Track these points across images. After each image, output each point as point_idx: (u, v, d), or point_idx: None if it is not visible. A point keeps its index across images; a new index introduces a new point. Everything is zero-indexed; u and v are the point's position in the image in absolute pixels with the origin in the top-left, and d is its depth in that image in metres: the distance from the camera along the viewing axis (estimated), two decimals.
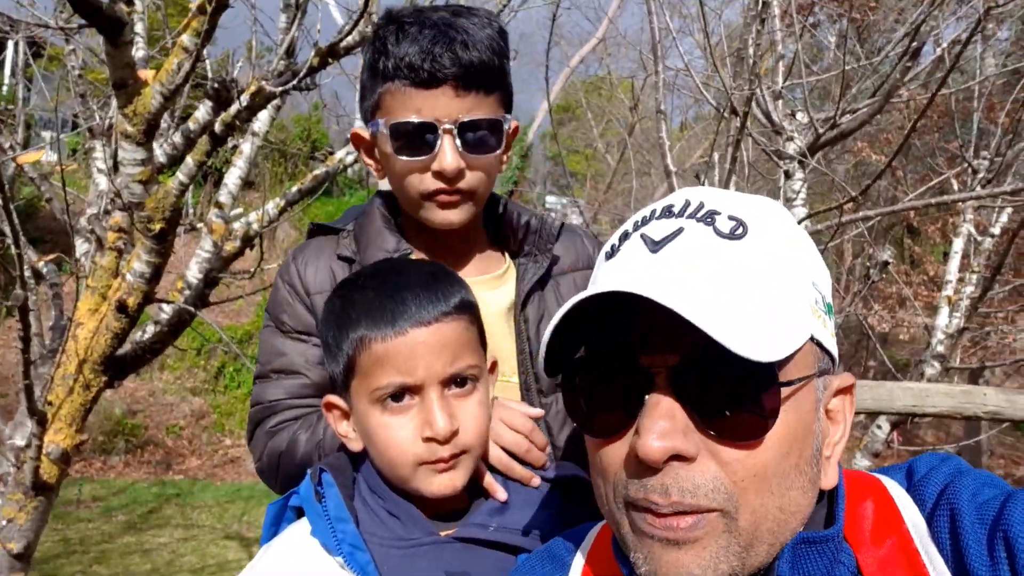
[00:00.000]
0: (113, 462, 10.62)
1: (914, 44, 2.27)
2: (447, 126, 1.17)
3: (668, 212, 0.77)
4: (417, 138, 1.18)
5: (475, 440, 1.03)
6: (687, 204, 0.77)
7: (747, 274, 0.72)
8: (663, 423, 0.69)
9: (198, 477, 10.58)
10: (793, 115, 3.10)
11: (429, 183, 1.21)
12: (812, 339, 0.73)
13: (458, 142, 1.18)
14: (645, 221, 0.78)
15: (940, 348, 3.22)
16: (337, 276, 1.28)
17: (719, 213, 0.75)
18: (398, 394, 1.00)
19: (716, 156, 3.83)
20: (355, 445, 1.07)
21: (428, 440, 0.99)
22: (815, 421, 0.74)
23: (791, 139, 3.03)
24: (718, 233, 0.74)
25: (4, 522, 2.40)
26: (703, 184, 4.37)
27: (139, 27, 2.68)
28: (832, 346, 0.78)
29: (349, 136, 3.48)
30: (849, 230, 4.24)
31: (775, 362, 0.68)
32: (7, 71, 11.29)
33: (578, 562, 0.88)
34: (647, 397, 0.71)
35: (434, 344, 0.99)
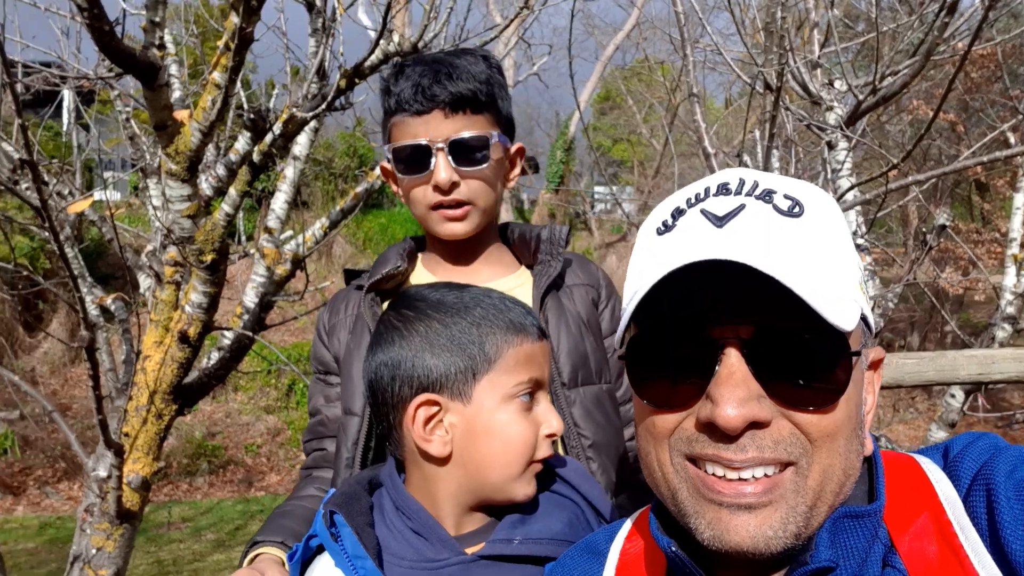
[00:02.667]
0: (198, 483, 11.04)
1: None
2: (439, 145, 1.35)
3: (725, 190, 0.79)
4: (415, 158, 1.37)
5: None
6: (742, 182, 0.79)
7: (811, 247, 0.74)
8: (740, 392, 0.70)
9: (279, 492, 10.90)
10: (831, 84, 3.00)
11: (430, 196, 1.38)
12: (862, 313, 0.77)
13: (450, 159, 1.35)
14: (700, 198, 0.80)
15: (1010, 309, 3.08)
16: (351, 306, 1.48)
17: (775, 192, 0.78)
18: (528, 393, 1.09)
19: (756, 133, 3.75)
20: (439, 449, 1.07)
21: (548, 436, 1.09)
22: (862, 390, 0.78)
23: (831, 109, 2.94)
24: (778, 210, 0.76)
25: (94, 551, 2.53)
26: (746, 163, 4.29)
27: (174, 69, 2.79)
28: (872, 322, 0.82)
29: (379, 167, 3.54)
30: (904, 194, 4.09)
31: (848, 332, 0.71)
32: (64, 120, 11.87)
33: (615, 548, 0.90)
34: (718, 367, 0.72)
35: (545, 352, 1.14)
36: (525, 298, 1.38)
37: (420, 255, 1.54)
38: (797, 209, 0.76)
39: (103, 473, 2.97)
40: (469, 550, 1.05)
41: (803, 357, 0.71)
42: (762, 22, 3.31)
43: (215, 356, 3.14)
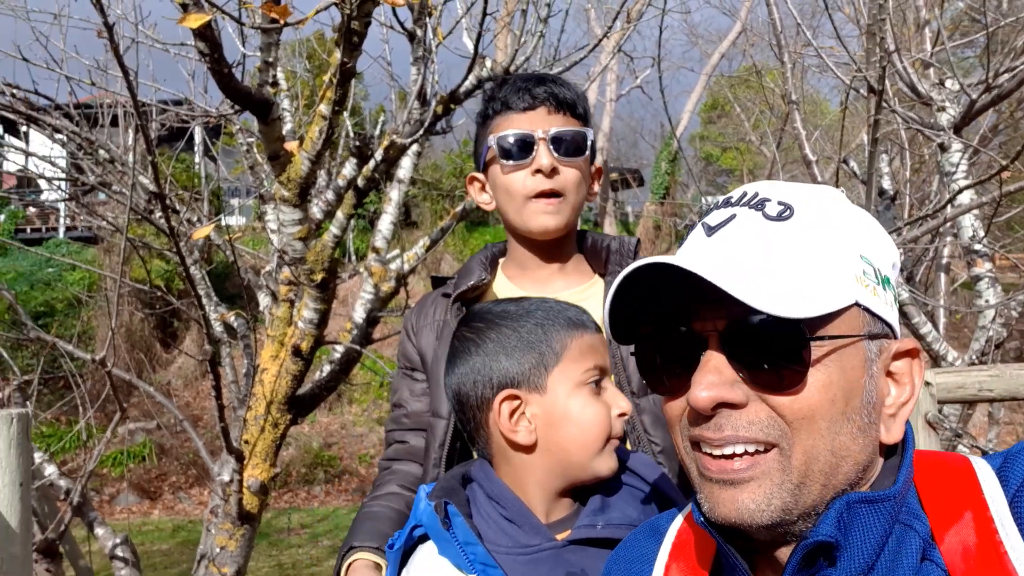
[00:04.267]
0: (315, 492, 11.56)
1: None
2: (541, 135, 1.46)
3: (727, 202, 0.88)
4: (518, 147, 1.47)
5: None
6: (744, 195, 0.88)
7: (787, 248, 0.81)
8: (710, 377, 0.79)
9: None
10: (942, 83, 2.85)
11: (530, 183, 1.47)
12: (858, 304, 0.81)
13: (551, 147, 1.46)
14: (707, 212, 0.89)
15: None
16: (438, 311, 1.56)
17: (770, 200, 0.85)
18: (595, 379, 1.18)
19: (865, 138, 3.61)
20: (525, 438, 1.17)
21: (620, 416, 1.18)
22: (865, 377, 0.81)
23: (943, 109, 2.79)
24: (766, 216, 0.84)
25: (218, 549, 2.73)
26: (852, 168, 4.12)
27: (285, 103, 2.99)
28: (887, 314, 0.84)
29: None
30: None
31: (805, 320, 0.76)
32: (196, 152, 12.84)
33: (673, 528, 0.97)
34: (701, 357, 0.81)
35: (604, 344, 1.23)
36: (595, 306, 1.41)
37: (500, 262, 1.62)
38: (787, 213, 0.83)
39: (226, 478, 3.20)
40: (558, 536, 1.13)
41: (764, 345, 0.78)
42: (864, 25, 3.20)
43: (327, 369, 3.33)
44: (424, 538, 1.16)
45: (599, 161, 1.65)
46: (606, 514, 1.15)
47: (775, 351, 0.78)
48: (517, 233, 1.53)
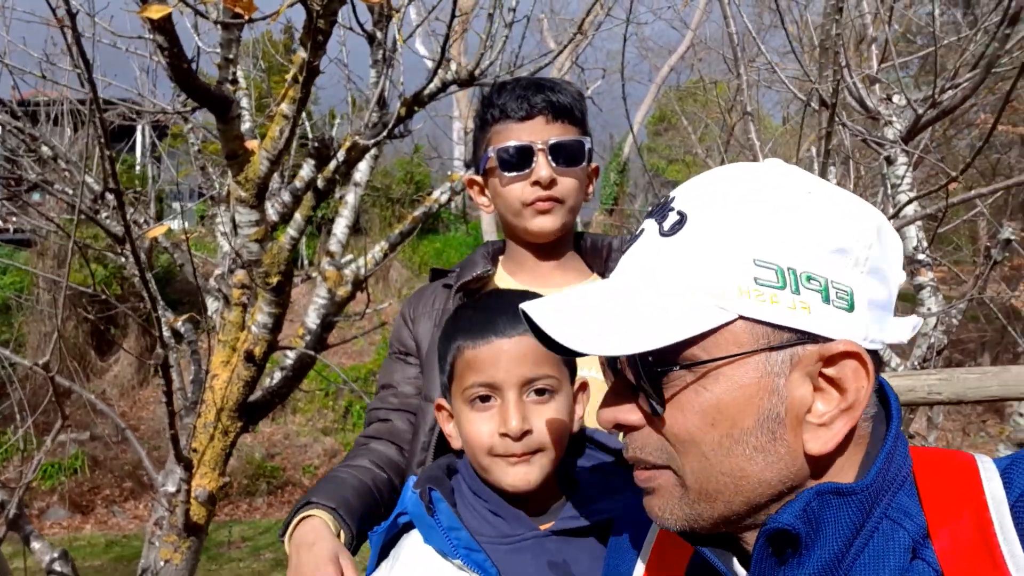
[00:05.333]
0: (257, 504, 11.27)
1: (1012, 8, 2.14)
2: (540, 146, 1.49)
3: (652, 209, 0.86)
4: (518, 158, 1.51)
5: (548, 441, 1.17)
6: (662, 201, 0.85)
7: (660, 273, 0.80)
8: (611, 398, 0.84)
9: None
10: (889, 99, 2.96)
11: (528, 193, 1.51)
12: (743, 317, 0.75)
13: (550, 158, 1.49)
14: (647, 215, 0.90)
15: None
16: (438, 301, 1.58)
17: (672, 208, 0.82)
18: (485, 396, 1.17)
19: (813, 150, 3.71)
20: (456, 444, 1.26)
21: (503, 436, 1.15)
22: (761, 393, 0.75)
23: (889, 123, 2.90)
24: (660, 232, 0.82)
25: (163, 563, 2.63)
26: None
27: (244, 102, 2.92)
28: (799, 320, 0.75)
29: (450, 176, 3.61)
30: (970, 209, 3.98)
31: (659, 351, 0.75)
32: (138, 153, 12.43)
33: (651, 537, 0.99)
34: (615, 378, 0.86)
35: (515, 353, 1.17)
36: None
37: (500, 259, 1.66)
38: (678, 226, 0.80)
39: (172, 488, 3.08)
40: (542, 526, 1.17)
41: (633, 376, 0.81)
42: (817, 39, 3.30)
43: (278, 376, 3.25)
44: (409, 527, 1.18)
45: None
46: (592, 505, 1.18)
47: (641, 382, 0.80)
48: (515, 234, 1.58)
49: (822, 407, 0.76)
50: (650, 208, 0.88)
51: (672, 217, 0.81)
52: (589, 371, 1.40)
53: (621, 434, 0.86)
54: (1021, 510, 0.72)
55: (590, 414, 1.43)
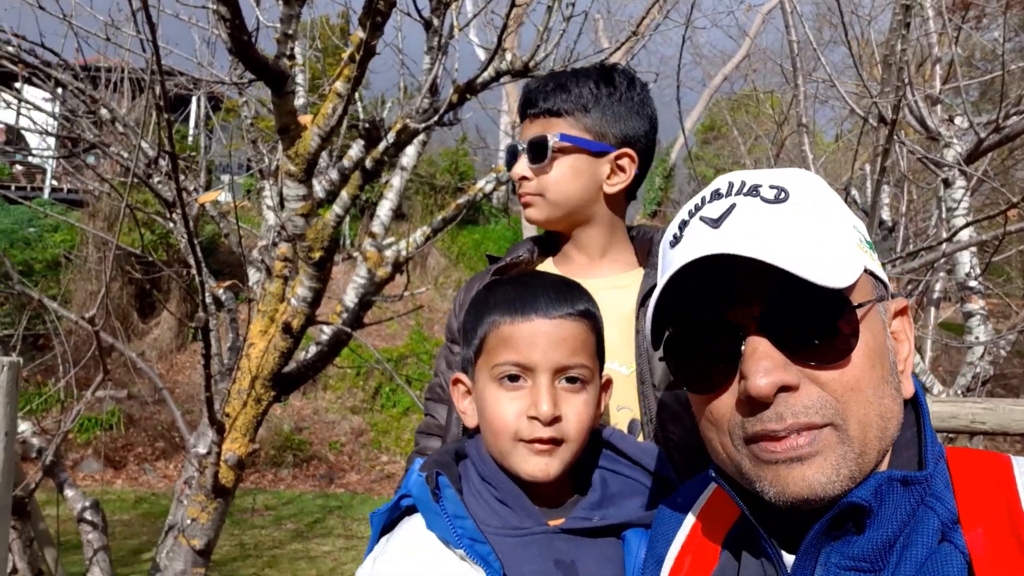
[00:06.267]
0: (283, 475, 11.47)
1: None
2: (522, 146, 1.55)
3: (718, 195, 0.89)
4: (511, 157, 1.58)
5: (574, 433, 1.12)
6: (731, 185, 0.90)
7: (798, 224, 0.83)
8: (765, 363, 0.79)
9: (357, 491, 11.19)
10: (951, 120, 2.89)
11: (517, 187, 1.58)
12: (866, 270, 0.84)
13: (527, 157, 1.53)
14: (699, 207, 0.90)
15: None
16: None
17: (761, 186, 0.88)
18: (515, 375, 1.12)
19: (867, 169, 3.64)
20: (471, 421, 1.20)
21: (532, 419, 1.10)
22: (886, 339, 0.84)
23: (948, 145, 2.82)
24: (765, 200, 0.86)
25: (189, 521, 2.69)
26: (854, 198, 4.16)
27: (300, 78, 2.97)
28: (883, 275, 0.88)
29: (495, 168, 3.62)
30: (1022, 240, 3.86)
31: (844, 289, 0.78)
32: (191, 124, 12.68)
33: (703, 498, 1.00)
34: (743, 347, 0.81)
35: (554, 336, 1.12)
36: (631, 297, 1.46)
37: (555, 253, 1.67)
38: (783, 195, 0.86)
39: (203, 449, 3.16)
40: (551, 523, 1.11)
41: (808, 320, 0.79)
42: (880, 56, 3.23)
43: (313, 350, 3.30)
44: (412, 510, 1.12)
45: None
46: (603, 509, 1.13)
47: (822, 325, 0.79)
48: None
49: (900, 356, 0.86)
50: (712, 194, 0.90)
51: (769, 191, 0.86)
52: (611, 364, 1.38)
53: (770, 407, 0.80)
54: None
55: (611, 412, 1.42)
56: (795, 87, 2.84)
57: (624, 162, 1.54)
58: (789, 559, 0.83)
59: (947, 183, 2.79)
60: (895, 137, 2.58)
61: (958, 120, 2.84)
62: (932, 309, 4.24)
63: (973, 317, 2.82)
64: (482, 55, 3.96)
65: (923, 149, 3.30)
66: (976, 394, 2.71)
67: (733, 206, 0.86)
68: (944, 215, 2.85)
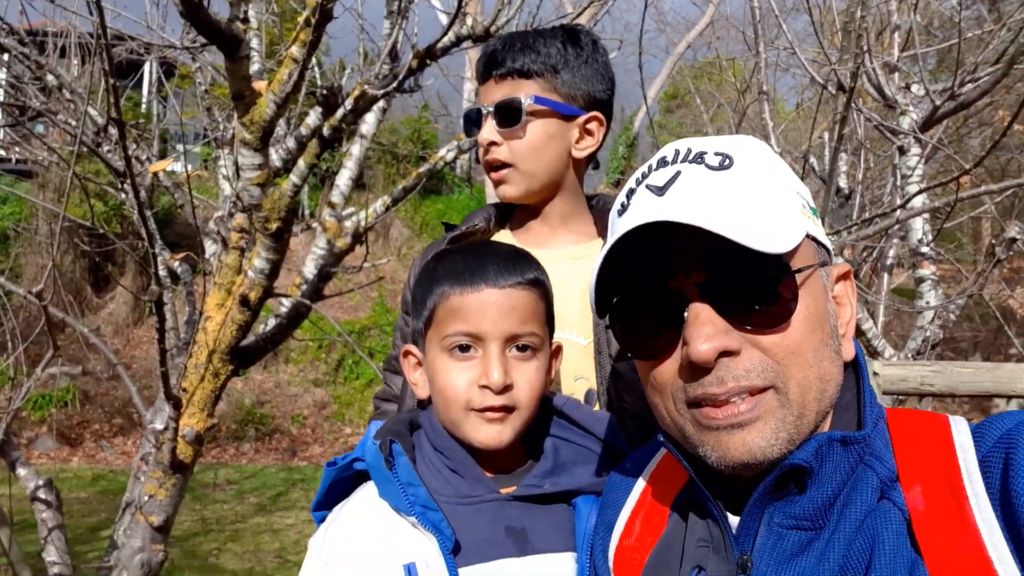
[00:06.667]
0: (244, 449, 11.38)
1: None
2: (488, 109, 1.46)
3: (663, 163, 0.90)
4: (473, 121, 1.51)
5: (525, 400, 1.13)
6: (677, 152, 0.90)
7: (741, 191, 0.84)
8: (707, 328, 0.80)
9: (320, 464, 11.13)
10: (908, 88, 2.92)
11: (482, 155, 1.50)
12: (808, 235, 0.85)
13: (494, 121, 1.46)
14: (646, 175, 0.91)
15: None
16: None
17: (706, 153, 0.88)
18: (465, 345, 1.13)
19: (826, 136, 3.67)
20: (422, 392, 1.21)
21: (483, 388, 1.11)
22: (827, 303, 0.86)
23: (905, 113, 2.86)
24: (709, 167, 0.87)
25: (146, 497, 2.65)
26: (812, 165, 4.21)
27: (254, 43, 2.87)
28: (826, 241, 0.90)
29: (457, 136, 3.57)
30: (976, 207, 3.96)
31: (784, 254, 0.79)
32: (144, 91, 12.29)
33: (652, 463, 1.02)
34: (686, 313, 0.82)
35: (503, 305, 1.13)
36: (589, 267, 1.41)
37: (512, 220, 1.62)
38: (727, 162, 0.86)
39: (160, 425, 3.10)
40: (503, 490, 1.12)
41: (748, 285, 0.80)
42: (841, 23, 3.25)
43: (272, 323, 3.25)
44: (364, 476, 1.14)
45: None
46: (555, 476, 1.14)
47: (763, 291, 0.80)
48: None
49: (840, 320, 0.88)
50: (658, 162, 0.90)
51: (713, 157, 0.87)
52: (563, 333, 1.37)
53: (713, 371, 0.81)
54: (989, 464, 0.75)
55: (562, 379, 1.42)
56: (757, 54, 2.84)
57: (592, 126, 1.50)
58: (734, 520, 0.85)
59: (902, 151, 2.83)
60: (853, 105, 2.61)
61: (915, 88, 2.88)
62: (885, 275, 4.35)
63: (924, 282, 2.89)
64: (444, 20, 3.88)
65: (880, 117, 3.34)
66: (926, 357, 2.79)
67: (678, 173, 0.87)
68: (899, 182, 2.90)
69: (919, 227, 2.86)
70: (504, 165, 1.47)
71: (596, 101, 1.49)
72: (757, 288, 0.80)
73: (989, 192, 2.24)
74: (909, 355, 2.93)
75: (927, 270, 2.90)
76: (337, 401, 12.80)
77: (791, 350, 0.80)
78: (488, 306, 1.12)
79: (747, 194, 0.84)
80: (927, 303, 2.89)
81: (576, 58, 1.47)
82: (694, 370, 0.82)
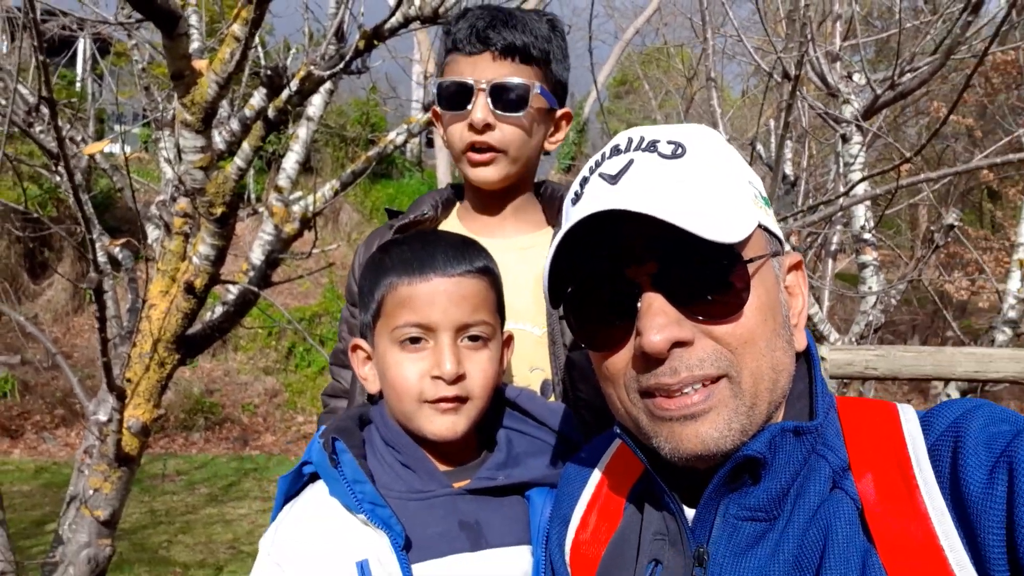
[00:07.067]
0: (194, 439, 11.14)
1: None
2: (482, 85, 1.36)
3: (617, 151, 0.89)
4: (458, 96, 1.39)
5: (479, 389, 1.12)
6: (630, 141, 0.89)
7: (694, 180, 0.84)
8: (659, 319, 0.80)
9: (273, 452, 11.01)
10: (850, 77, 2.99)
11: (465, 136, 1.40)
12: (760, 225, 0.85)
13: (489, 101, 1.36)
14: (599, 164, 0.90)
15: (1012, 314, 3.09)
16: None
17: (659, 141, 0.88)
18: (415, 337, 1.10)
19: (772, 124, 3.74)
20: (372, 387, 1.18)
21: (435, 379, 1.09)
22: (779, 293, 0.87)
23: (847, 102, 2.93)
24: (662, 156, 0.86)
25: (91, 491, 2.57)
26: (759, 152, 4.28)
27: (194, 19, 2.78)
28: (778, 231, 0.90)
29: (407, 119, 3.52)
30: (915, 194, 4.09)
31: (736, 244, 0.79)
32: (78, 68, 11.83)
33: (608, 454, 1.02)
34: (639, 303, 0.82)
35: (453, 294, 1.11)
36: (541, 257, 1.40)
37: (458, 203, 1.56)
38: (680, 151, 0.86)
39: (103, 417, 3.01)
40: (457, 484, 1.11)
41: (700, 275, 0.80)
42: (785, 12, 3.30)
43: (219, 310, 3.17)
44: (316, 477, 1.12)
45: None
46: (508, 469, 1.13)
47: (715, 281, 0.80)
48: (464, 178, 1.48)
49: (792, 310, 0.89)
50: (611, 150, 0.89)
51: (666, 146, 0.86)
52: (517, 323, 1.35)
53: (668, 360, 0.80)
54: (938, 451, 0.77)
55: (514, 371, 1.41)
56: (704, 41, 2.87)
57: (563, 121, 1.49)
58: (690, 513, 0.85)
59: (845, 139, 2.90)
60: (798, 93, 2.66)
61: (856, 77, 2.96)
62: (829, 261, 4.46)
63: (867, 268, 2.98)
64: (391, 0, 3.82)
65: (823, 105, 3.42)
66: (869, 341, 2.88)
67: (631, 162, 0.86)
68: (842, 170, 2.98)
69: (861, 214, 2.94)
70: (492, 149, 1.40)
71: (566, 94, 1.48)
72: (709, 278, 0.80)
73: (928, 179, 2.31)
74: (853, 339, 3.02)
75: (869, 256, 2.98)
76: (288, 389, 12.62)
77: (744, 339, 0.80)
78: (438, 295, 1.10)
79: (700, 183, 0.83)
80: (870, 288, 2.98)
81: (559, 50, 1.44)
82: (647, 360, 0.81)
